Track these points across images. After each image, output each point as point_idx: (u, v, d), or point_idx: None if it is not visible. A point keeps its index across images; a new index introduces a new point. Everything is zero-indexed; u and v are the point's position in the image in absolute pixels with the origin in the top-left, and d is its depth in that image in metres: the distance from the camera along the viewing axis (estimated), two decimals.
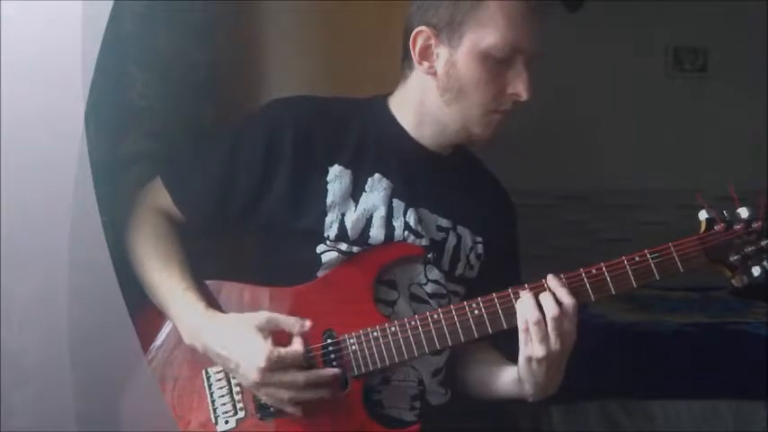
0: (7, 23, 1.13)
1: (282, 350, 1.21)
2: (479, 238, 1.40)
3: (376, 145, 1.36)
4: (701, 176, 3.47)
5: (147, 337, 1.31)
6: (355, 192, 1.33)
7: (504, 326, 1.25)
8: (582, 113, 3.36)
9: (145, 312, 1.32)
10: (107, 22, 1.25)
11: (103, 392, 1.26)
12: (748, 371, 2.31)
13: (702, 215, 1.29)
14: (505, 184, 1.51)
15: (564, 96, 3.20)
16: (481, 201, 1.43)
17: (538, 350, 1.20)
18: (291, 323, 1.23)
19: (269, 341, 1.21)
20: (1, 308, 1.15)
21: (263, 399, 1.24)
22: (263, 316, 1.24)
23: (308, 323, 1.23)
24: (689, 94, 3.52)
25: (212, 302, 1.30)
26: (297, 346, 1.22)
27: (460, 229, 1.38)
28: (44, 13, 1.16)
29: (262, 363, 1.20)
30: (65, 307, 1.21)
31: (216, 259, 1.43)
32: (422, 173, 1.37)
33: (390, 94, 1.40)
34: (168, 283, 1.30)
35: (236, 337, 1.23)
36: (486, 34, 1.27)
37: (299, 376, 1.21)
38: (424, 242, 1.34)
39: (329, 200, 1.32)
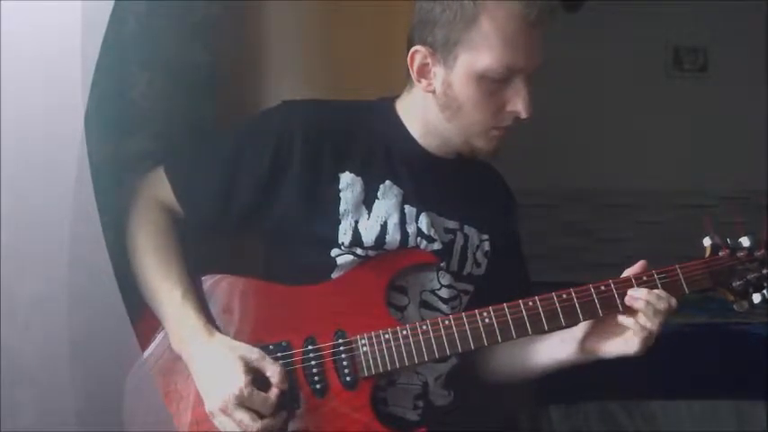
0: (7, 24, 1.13)
1: (256, 391, 1.20)
2: (485, 236, 1.41)
3: (385, 151, 1.36)
4: (700, 176, 3.48)
5: (146, 336, 1.31)
6: (367, 199, 1.33)
7: (515, 336, 1.26)
8: (582, 113, 3.35)
9: (144, 313, 1.32)
10: (108, 23, 1.25)
11: (104, 392, 1.27)
12: (748, 371, 2.31)
13: (707, 241, 1.34)
14: None
15: (564, 96, 3.20)
16: (486, 199, 1.44)
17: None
18: (275, 372, 1.22)
19: (249, 377, 1.20)
20: (1, 308, 1.15)
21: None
22: (255, 352, 1.23)
23: (287, 384, 1.22)
24: (689, 94, 3.51)
25: (206, 305, 1.30)
26: (272, 394, 1.21)
27: (467, 229, 1.39)
28: (44, 13, 1.17)
29: (233, 392, 1.19)
30: (65, 307, 1.21)
31: (218, 258, 1.43)
32: (429, 177, 1.37)
33: (397, 96, 1.40)
34: (165, 284, 1.29)
35: (219, 361, 1.23)
36: (480, 56, 1.26)
37: (256, 425, 1.20)
38: (436, 246, 1.35)
39: (342, 208, 1.32)
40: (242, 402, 1.19)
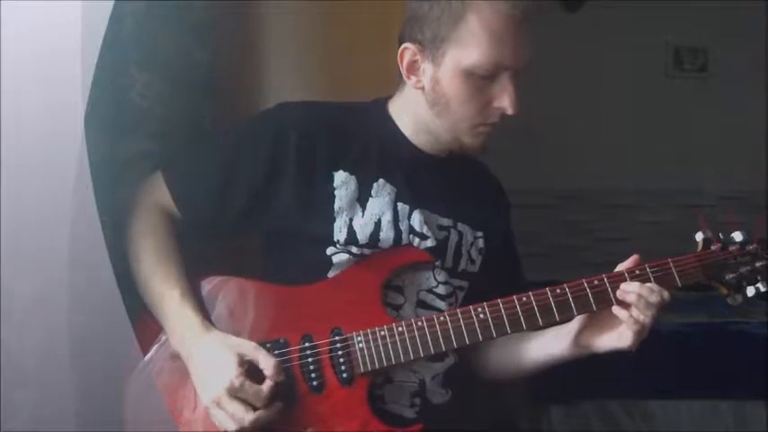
0: (7, 23, 1.13)
1: (248, 382, 1.20)
2: (479, 233, 1.42)
3: (378, 150, 1.37)
4: (700, 176, 3.48)
5: (145, 336, 1.31)
6: (361, 197, 1.34)
7: (509, 330, 1.27)
8: (582, 113, 3.35)
9: (144, 313, 1.32)
10: (107, 23, 1.25)
11: (103, 393, 1.27)
12: (748, 371, 2.31)
13: (699, 236, 1.35)
14: (505, 183, 1.53)
15: (564, 96, 3.20)
16: (479, 197, 1.45)
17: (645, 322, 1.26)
18: (269, 365, 1.22)
19: (241, 369, 1.21)
20: (1, 308, 1.15)
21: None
22: (249, 345, 1.24)
23: (281, 376, 1.22)
24: (689, 94, 3.51)
25: (203, 305, 1.30)
26: (265, 386, 1.21)
27: (461, 226, 1.40)
28: (44, 13, 1.17)
29: (225, 384, 1.20)
30: (65, 307, 1.21)
31: (217, 258, 1.44)
32: (422, 175, 1.38)
33: (390, 97, 1.42)
34: (164, 285, 1.30)
35: (214, 356, 1.23)
36: (467, 52, 1.27)
37: (248, 417, 1.20)
38: (429, 243, 1.35)
39: (337, 205, 1.33)
40: (234, 394, 1.20)
